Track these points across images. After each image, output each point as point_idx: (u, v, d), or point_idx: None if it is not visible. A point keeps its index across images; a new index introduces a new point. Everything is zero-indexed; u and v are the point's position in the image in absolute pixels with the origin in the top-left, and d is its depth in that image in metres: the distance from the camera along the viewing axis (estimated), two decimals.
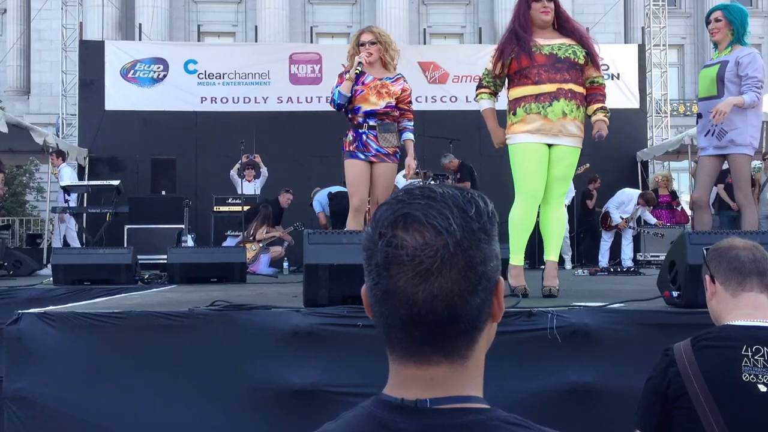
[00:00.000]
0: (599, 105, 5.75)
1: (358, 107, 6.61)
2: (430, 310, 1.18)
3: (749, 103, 6.35)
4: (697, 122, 6.74)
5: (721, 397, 2.44)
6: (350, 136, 6.67)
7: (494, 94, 5.90)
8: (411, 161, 6.74)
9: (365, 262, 1.24)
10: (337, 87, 6.64)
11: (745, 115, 6.44)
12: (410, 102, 6.82)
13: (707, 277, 2.78)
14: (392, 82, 6.69)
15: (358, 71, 6.53)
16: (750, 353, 2.48)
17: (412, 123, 6.83)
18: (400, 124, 6.77)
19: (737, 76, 6.41)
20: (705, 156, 6.67)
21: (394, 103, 6.65)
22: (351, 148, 6.65)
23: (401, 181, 13.02)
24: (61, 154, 13.82)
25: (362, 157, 6.60)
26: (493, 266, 1.23)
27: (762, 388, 2.43)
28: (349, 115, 6.72)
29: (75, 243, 13.37)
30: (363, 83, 6.60)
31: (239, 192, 13.93)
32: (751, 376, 2.44)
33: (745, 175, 6.63)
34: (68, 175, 13.52)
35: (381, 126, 6.61)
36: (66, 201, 12.99)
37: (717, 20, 6.54)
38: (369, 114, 6.60)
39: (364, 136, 6.60)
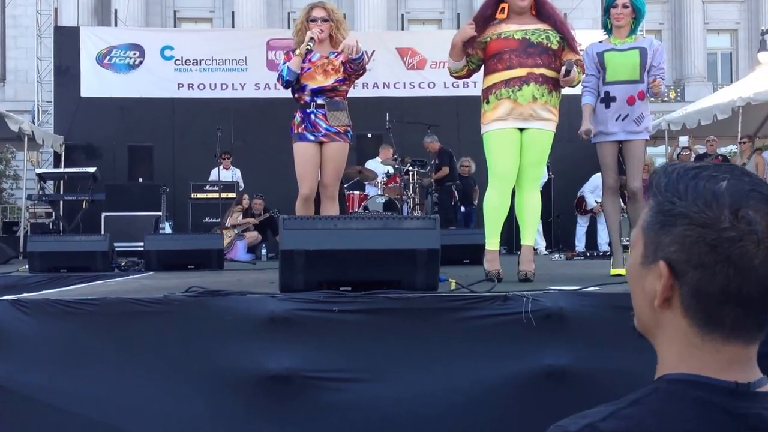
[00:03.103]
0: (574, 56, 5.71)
1: (305, 84, 6.43)
2: None
3: (662, 93, 6.51)
4: (609, 106, 6.39)
5: None
6: (298, 117, 6.49)
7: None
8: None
9: (700, 232, 1.17)
10: (285, 63, 6.45)
11: (648, 103, 6.53)
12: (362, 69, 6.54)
13: None
14: (336, 56, 6.46)
15: (309, 47, 6.31)
16: None
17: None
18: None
19: (650, 65, 6.49)
20: (609, 142, 6.41)
21: (341, 77, 6.45)
22: (299, 129, 6.46)
23: (373, 164, 13.07)
24: None
25: (311, 138, 6.42)
26: None
27: None
28: (296, 95, 6.54)
29: None
30: (310, 60, 6.42)
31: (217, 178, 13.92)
32: None
33: (643, 161, 6.63)
34: None
35: (330, 104, 6.41)
36: (43, 189, 12.85)
37: (625, 6, 6.50)
38: (316, 92, 6.42)
39: (312, 116, 6.41)
